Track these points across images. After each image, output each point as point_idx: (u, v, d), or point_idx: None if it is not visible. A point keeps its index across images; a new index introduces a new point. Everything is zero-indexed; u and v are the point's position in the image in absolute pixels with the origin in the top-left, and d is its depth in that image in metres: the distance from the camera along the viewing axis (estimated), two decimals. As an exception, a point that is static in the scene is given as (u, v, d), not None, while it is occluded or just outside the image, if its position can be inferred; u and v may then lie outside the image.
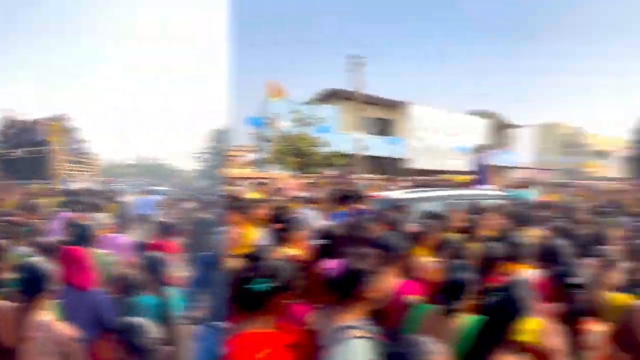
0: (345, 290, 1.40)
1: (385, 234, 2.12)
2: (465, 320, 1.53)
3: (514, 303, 1.29)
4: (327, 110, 14.51)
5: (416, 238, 2.45)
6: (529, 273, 2.01)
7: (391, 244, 1.96)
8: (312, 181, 8.36)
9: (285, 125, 10.77)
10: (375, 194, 5.05)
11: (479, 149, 6.80)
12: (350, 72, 13.97)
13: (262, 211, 3.44)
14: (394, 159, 16.55)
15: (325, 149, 12.99)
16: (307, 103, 13.41)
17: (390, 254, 1.87)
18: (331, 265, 1.47)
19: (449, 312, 1.58)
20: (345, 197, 4.37)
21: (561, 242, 2.23)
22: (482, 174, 6.48)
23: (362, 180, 9.95)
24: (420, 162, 16.21)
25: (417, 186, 8.60)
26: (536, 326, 1.38)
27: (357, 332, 1.24)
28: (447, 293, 1.66)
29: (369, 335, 1.27)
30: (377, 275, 1.46)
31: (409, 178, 11.31)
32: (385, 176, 11.84)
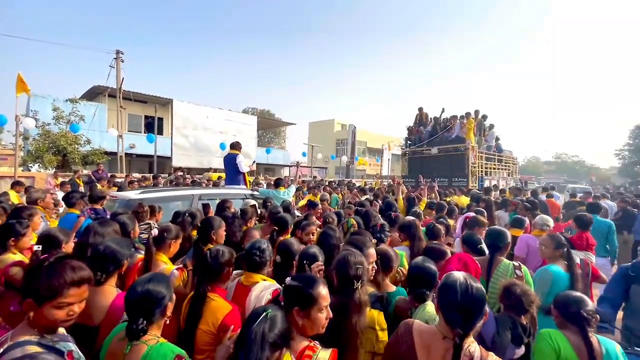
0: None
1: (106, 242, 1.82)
2: (152, 351, 1.20)
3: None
4: (90, 108, 14.49)
5: (155, 241, 2.25)
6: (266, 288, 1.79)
7: (111, 253, 1.74)
8: (67, 180, 8.10)
9: (34, 122, 10.37)
10: (113, 193, 4.83)
11: (232, 146, 6.10)
12: (114, 69, 13.92)
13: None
14: (161, 157, 15.72)
15: (88, 147, 12.73)
16: (69, 100, 13.13)
17: (112, 263, 1.72)
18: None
19: (134, 336, 1.22)
20: (77, 198, 4.11)
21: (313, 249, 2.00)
22: (233, 172, 6.00)
23: (123, 178, 9.49)
24: (186, 160, 15.61)
25: (177, 184, 8.70)
26: None
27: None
28: (132, 310, 1.28)
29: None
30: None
31: (162, 176, 10.58)
32: (150, 174, 11.14)
